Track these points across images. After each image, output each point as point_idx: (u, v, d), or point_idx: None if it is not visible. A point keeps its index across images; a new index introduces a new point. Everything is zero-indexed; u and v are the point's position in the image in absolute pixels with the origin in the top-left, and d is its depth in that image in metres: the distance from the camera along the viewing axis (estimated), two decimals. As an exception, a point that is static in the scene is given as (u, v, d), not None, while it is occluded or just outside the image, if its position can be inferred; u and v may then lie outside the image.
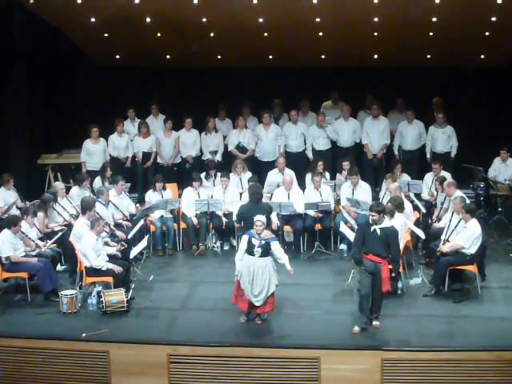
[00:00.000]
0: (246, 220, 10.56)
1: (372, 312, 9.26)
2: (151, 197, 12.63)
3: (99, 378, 8.85)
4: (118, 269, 10.06)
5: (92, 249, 10.06)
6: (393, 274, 9.34)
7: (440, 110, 14.38)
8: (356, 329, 9.16)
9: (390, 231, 9.31)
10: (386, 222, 9.39)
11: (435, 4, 12.15)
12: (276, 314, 9.65)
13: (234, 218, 11.68)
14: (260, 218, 9.44)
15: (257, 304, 9.33)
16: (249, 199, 10.96)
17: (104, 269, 10.07)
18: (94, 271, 10.13)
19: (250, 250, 9.35)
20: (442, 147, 14.12)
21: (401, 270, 10.32)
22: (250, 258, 9.34)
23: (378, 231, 9.22)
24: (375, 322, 9.27)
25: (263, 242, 9.33)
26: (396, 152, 14.39)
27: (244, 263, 9.37)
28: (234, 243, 12.47)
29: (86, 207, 10.69)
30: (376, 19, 13.12)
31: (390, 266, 9.34)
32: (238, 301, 9.47)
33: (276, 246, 9.44)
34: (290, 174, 12.88)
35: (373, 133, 14.28)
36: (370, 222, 9.30)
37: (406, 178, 12.90)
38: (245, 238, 9.47)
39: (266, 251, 9.34)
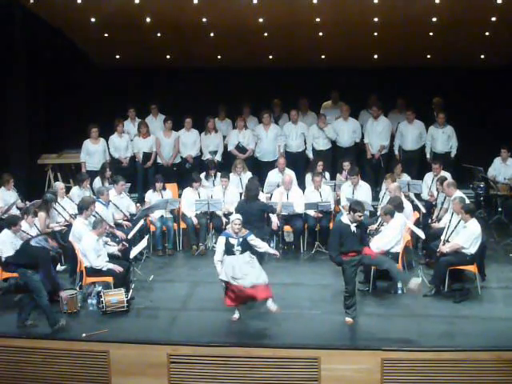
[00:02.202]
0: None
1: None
2: (151, 197, 12.63)
3: (99, 377, 8.86)
4: (118, 268, 10.06)
5: (92, 249, 10.07)
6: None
7: (440, 110, 14.38)
8: (349, 319, 9.32)
9: (362, 225, 9.50)
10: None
11: (435, 4, 12.15)
12: (276, 313, 9.64)
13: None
14: (238, 217, 9.49)
15: (249, 285, 9.18)
16: (244, 197, 10.95)
17: (104, 269, 10.08)
18: (93, 271, 10.14)
19: (229, 251, 9.38)
20: (442, 147, 14.12)
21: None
22: (232, 258, 9.36)
23: (355, 229, 9.30)
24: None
25: (241, 239, 9.39)
26: (396, 152, 14.40)
27: (227, 265, 9.33)
28: (234, 243, 12.49)
29: (83, 207, 10.72)
30: (376, 19, 13.12)
31: None
32: (235, 300, 9.42)
33: (252, 239, 9.50)
34: (289, 174, 12.88)
35: (372, 133, 14.29)
36: (350, 221, 9.31)
37: (406, 178, 12.90)
38: (221, 239, 9.48)
39: (246, 248, 9.41)
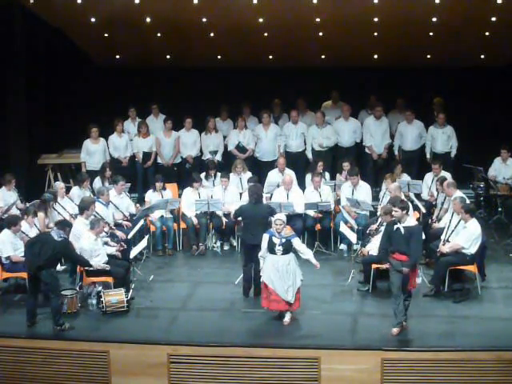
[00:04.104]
0: (245, 220, 10.57)
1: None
2: (151, 197, 12.62)
3: (99, 377, 8.87)
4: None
5: (88, 249, 10.04)
6: (404, 269, 8.90)
7: (440, 110, 14.37)
8: (395, 330, 9.06)
9: (415, 230, 9.15)
10: (410, 221, 9.27)
11: (435, 4, 12.16)
12: (276, 313, 9.64)
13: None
14: (280, 217, 9.53)
15: (291, 300, 9.31)
16: (248, 200, 10.95)
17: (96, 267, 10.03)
18: (94, 271, 10.12)
19: (271, 249, 9.41)
20: (442, 147, 14.11)
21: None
22: (273, 257, 9.40)
23: (402, 230, 9.11)
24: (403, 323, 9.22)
25: (284, 240, 9.39)
26: (396, 152, 14.39)
27: (267, 263, 9.41)
28: (234, 243, 12.50)
29: (84, 207, 10.72)
30: (376, 19, 13.13)
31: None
32: (270, 303, 9.40)
33: (297, 243, 9.54)
34: (289, 174, 12.87)
35: (377, 133, 14.26)
36: (393, 220, 9.22)
37: (405, 178, 12.89)
38: (265, 237, 9.51)
39: (288, 249, 9.41)
